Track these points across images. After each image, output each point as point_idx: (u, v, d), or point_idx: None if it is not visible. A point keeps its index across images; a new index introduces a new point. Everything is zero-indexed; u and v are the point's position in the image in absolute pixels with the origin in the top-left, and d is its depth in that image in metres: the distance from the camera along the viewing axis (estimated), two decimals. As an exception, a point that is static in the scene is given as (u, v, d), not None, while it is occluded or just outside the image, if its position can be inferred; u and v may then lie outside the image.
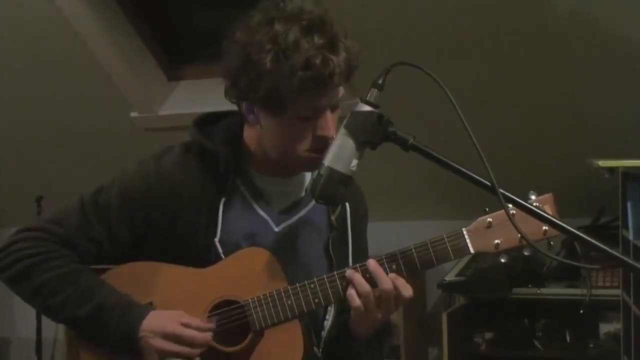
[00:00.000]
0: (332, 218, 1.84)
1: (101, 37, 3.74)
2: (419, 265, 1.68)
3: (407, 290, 1.66)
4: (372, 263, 1.67)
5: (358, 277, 1.66)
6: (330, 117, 1.69)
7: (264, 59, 1.61)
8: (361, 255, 1.85)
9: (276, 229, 1.80)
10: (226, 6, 3.87)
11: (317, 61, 1.60)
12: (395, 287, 1.65)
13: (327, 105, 1.67)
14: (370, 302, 1.65)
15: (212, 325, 1.71)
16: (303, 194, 1.83)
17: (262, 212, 1.79)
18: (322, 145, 1.66)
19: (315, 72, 1.60)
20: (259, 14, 1.67)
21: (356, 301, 1.65)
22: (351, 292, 1.66)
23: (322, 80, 1.62)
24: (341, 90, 1.68)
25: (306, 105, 1.65)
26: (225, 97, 1.75)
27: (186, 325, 1.69)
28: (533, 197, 1.63)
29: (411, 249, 1.68)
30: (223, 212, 1.75)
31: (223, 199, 1.76)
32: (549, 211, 1.60)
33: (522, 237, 1.54)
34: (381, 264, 1.68)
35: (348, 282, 1.67)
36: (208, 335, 1.70)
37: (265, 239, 1.78)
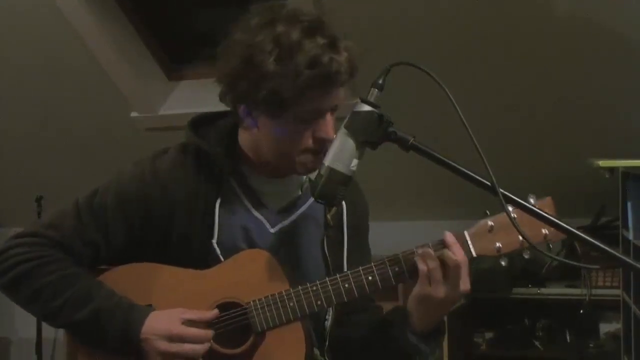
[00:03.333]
0: (328, 217, 1.83)
1: (101, 37, 3.74)
2: (421, 268, 1.67)
3: (466, 283, 1.65)
4: (449, 235, 1.66)
5: (429, 251, 1.65)
6: (329, 120, 1.68)
7: (267, 59, 1.60)
8: (361, 254, 1.85)
9: (272, 230, 1.79)
10: (226, 6, 3.88)
11: (324, 59, 1.60)
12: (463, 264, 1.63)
13: (328, 107, 1.67)
14: (436, 276, 1.63)
15: (215, 312, 1.70)
16: (299, 193, 1.83)
17: (257, 214, 1.79)
18: (319, 147, 1.66)
19: (323, 70, 1.60)
20: (256, 16, 1.66)
21: (423, 267, 1.63)
22: (420, 259, 1.64)
23: (328, 79, 1.61)
24: (342, 93, 1.68)
25: (308, 107, 1.64)
26: (221, 100, 1.74)
27: (189, 321, 1.69)
28: (532, 201, 1.62)
29: (413, 252, 1.67)
30: (219, 213, 1.75)
31: (219, 200, 1.75)
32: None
33: (525, 239, 1.53)
34: (383, 267, 1.68)
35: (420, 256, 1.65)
36: (209, 331, 1.69)
37: (261, 240, 1.77)
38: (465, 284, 1.65)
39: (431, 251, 1.65)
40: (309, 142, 1.68)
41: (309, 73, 1.59)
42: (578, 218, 3.23)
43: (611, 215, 3.38)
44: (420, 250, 1.65)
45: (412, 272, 1.67)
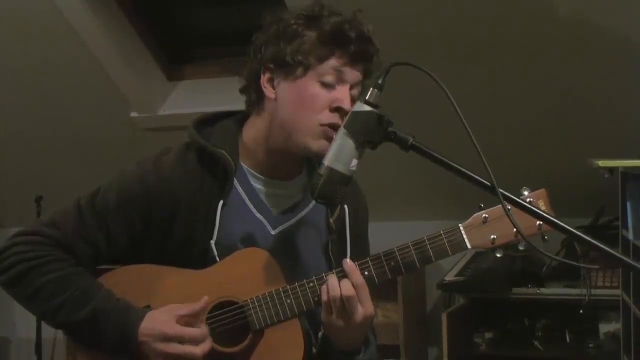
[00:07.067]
0: (331, 221, 1.83)
1: (101, 37, 3.74)
2: (417, 262, 1.68)
3: (367, 307, 1.67)
4: (348, 262, 1.68)
5: (332, 280, 1.67)
6: (347, 92, 1.70)
7: (297, 23, 1.70)
8: (362, 257, 1.85)
9: (273, 232, 1.80)
10: (226, 6, 3.88)
11: (348, 22, 1.70)
12: (358, 295, 1.65)
13: (350, 77, 1.70)
14: (336, 305, 1.65)
15: (204, 299, 1.70)
16: (302, 196, 1.83)
17: (259, 215, 1.79)
18: (335, 120, 1.68)
19: (347, 31, 1.68)
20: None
21: (325, 298, 1.66)
22: (324, 288, 1.67)
23: (352, 39, 1.68)
24: (361, 74, 1.73)
25: (331, 68, 1.68)
26: (241, 91, 1.78)
27: (182, 318, 1.69)
28: (526, 193, 1.63)
29: (409, 246, 1.68)
30: (221, 214, 1.75)
31: (221, 201, 1.75)
32: (542, 206, 1.62)
33: (519, 232, 1.55)
34: (379, 262, 1.68)
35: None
36: (206, 330, 1.70)
37: (262, 242, 1.78)
38: (366, 309, 1.67)
39: (335, 282, 1.66)
40: (326, 111, 1.69)
41: (334, 31, 1.68)
42: (578, 218, 3.23)
43: (611, 215, 3.39)
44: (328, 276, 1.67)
45: (408, 266, 1.68)
